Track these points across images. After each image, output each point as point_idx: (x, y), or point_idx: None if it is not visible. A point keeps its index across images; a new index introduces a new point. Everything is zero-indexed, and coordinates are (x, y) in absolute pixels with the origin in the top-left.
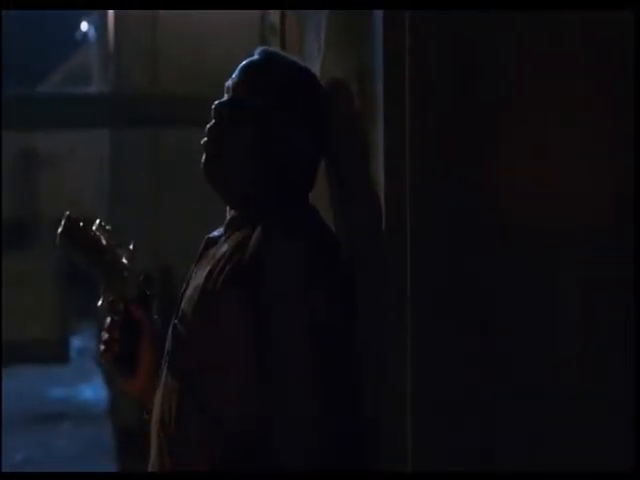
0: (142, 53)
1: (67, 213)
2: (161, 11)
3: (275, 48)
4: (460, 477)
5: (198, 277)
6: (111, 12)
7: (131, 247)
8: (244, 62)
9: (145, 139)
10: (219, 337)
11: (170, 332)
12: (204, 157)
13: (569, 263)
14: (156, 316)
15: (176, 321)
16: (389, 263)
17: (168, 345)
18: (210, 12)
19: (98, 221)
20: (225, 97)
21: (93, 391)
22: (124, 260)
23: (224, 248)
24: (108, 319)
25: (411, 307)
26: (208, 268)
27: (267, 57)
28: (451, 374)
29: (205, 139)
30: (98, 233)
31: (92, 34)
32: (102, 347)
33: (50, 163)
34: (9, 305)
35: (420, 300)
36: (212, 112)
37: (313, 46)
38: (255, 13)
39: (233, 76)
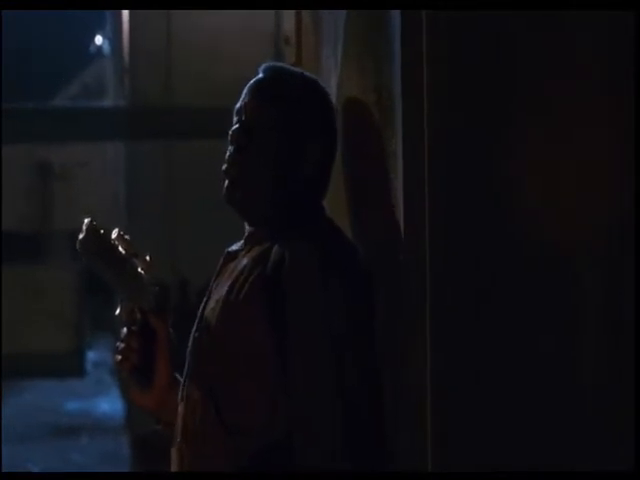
0: (156, 66)
1: (87, 220)
2: (175, 24)
3: (279, 62)
4: (478, 477)
5: (219, 291)
6: (126, 25)
7: (148, 258)
8: (251, 82)
9: (159, 152)
10: (242, 349)
11: (191, 345)
12: (226, 182)
13: (590, 264)
14: (171, 329)
15: (197, 334)
16: (408, 270)
17: (189, 359)
18: (224, 25)
19: (117, 230)
20: (236, 119)
21: (109, 404)
22: (141, 270)
23: (245, 262)
24: (125, 329)
25: (430, 311)
26: (229, 282)
27: (273, 74)
28: (470, 373)
29: (225, 165)
30: (117, 243)
31: (107, 47)
32: (119, 357)
33: (65, 175)
34: (24, 317)
35: (439, 305)
36: (229, 139)
37: (330, 59)
38: (269, 25)
39: (242, 97)
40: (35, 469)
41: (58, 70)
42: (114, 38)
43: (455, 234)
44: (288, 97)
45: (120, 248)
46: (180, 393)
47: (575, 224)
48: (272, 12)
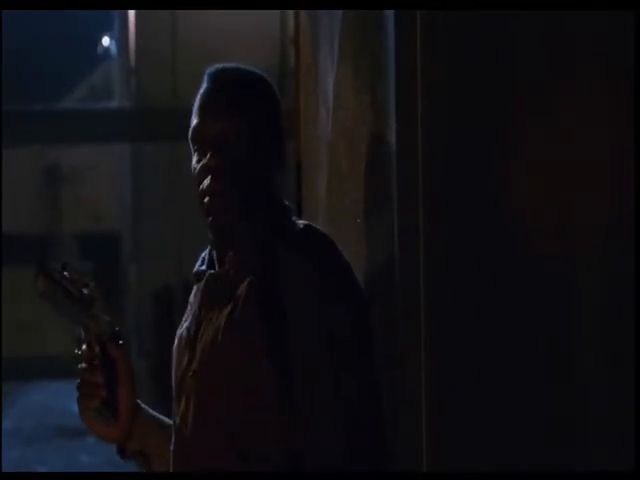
0: (162, 67)
1: (37, 261)
2: (181, 25)
3: (221, 64)
4: (477, 477)
5: (214, 321)
6: (132, 27)
7: (92, 284)
8: (202, 100)
9: (165, 153)
10: (254, 379)
11: (191, 380)
12: (213, 215)
13: (589, 265)
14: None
15: (197, 367)
16: (403, 272)
17: (192, 394)
18: (229, 27)
19: (63, 263)
20: (198, 146)
21: None
22: (91, 300)
23: (240, 289)
24: (84, 365)
25: (427, 313)
26: (227, 311)
27: (221, 83)
28: (468, 374)
29: (207, 199)
30: (66, 277)
31: (113, 49)
32: (84, 395)
33: (72, 178)
34: (31, 320)
35: (437, 306)
36: (200, 170)
37: (327, 59)
38: (274, 27)
39: (199, 120)
40: (42, 469)
41: (65, 72)
42: (120, 40)
43: (452, 235)
44: (244, 103)
45: (66, 283)
46: (175, 420)
47: (575, 224)
48: (278, 13)
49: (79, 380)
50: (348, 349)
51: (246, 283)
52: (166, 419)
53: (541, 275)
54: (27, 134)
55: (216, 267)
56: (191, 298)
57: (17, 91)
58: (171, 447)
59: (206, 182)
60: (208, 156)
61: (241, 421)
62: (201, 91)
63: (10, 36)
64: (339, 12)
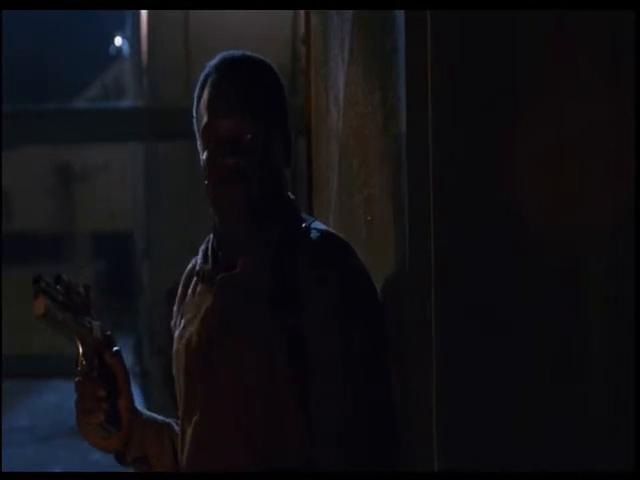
0: (175, 67)
1: (34, 282)
2: (194, 25)
3: (231, 53)
4: (480, 477)
5: (229, 330)
6: (144, 26)
7: (83, 292)
8: (216, 93)
9: (178, 152)
10: (272, 384)
11: (208, 388)
12: (231, 214)
13: (593, 266)
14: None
15: (212, 377)
16: (412, 271)
17: (208, 402)
18: (241, 26)
19: (57, 276)
20: (215, 146)
21: None
22: (83, 308)
23: (253, 294)
24: (81, 379)
25: (435, 313)
26: (241, 318)
27: (233, 77)
28: (473, 374)
29: (223, 199)
30: (60, 289)
31: (126, 48)
32: (85, 412)
33: (85, 177)
34: None
35: (444, 306)
36: (220, 169)
37: (338, 58)
38: (286, 26)
39: (216, 115)
40: (57, 468)
41: (77, 71)
42: (132, 39)
43: (462, 233)
44: (257, 99)
45: (64, 297)
46: (185, 426)
47: (581, 224)
48: (289, 13)
49: (77, 396)
50: (365, 356)
51: (261, 288)
52: (160, 417)
53: (548, 275)
54: (40, 133)
55: (219, 264)
56: (192, 294)
57: (30, 90)
58: (184, 454)
59: (221, 183)
60: (223, 156)
61: (258, 424)
62: (210, 82)
63: (23, 36)
64: (349, 12)
